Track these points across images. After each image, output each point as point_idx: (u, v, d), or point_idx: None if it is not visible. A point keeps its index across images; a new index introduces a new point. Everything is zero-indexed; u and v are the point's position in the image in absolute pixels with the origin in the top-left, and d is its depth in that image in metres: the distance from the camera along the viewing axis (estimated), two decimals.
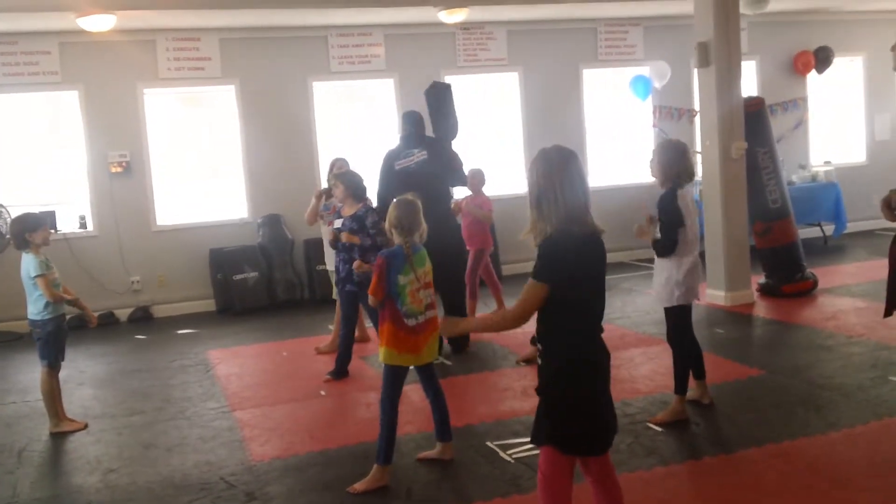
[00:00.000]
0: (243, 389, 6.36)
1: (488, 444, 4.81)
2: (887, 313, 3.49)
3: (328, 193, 6.93)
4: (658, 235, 4.90)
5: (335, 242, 6.21)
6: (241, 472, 4.67)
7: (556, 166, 2.95)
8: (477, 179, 7.96)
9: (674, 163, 4.85)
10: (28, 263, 5.40)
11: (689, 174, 4.89)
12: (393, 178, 6.86)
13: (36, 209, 7.17)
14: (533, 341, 3.05)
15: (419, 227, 4.33)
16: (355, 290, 6.19)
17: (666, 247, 4.87)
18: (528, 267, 3.06)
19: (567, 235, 2.89)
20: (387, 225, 4.37)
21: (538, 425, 3.00)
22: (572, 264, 2.89)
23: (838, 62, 12.21)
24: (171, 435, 5.39)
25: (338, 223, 6.22)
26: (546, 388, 2.96)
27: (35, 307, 5.43)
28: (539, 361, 3.02)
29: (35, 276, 5.34)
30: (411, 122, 7.11)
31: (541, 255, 2.91)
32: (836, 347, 6.42)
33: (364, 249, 5.96)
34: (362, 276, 6.01)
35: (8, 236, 8.20)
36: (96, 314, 9.14)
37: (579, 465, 3.06)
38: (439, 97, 7.25)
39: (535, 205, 2.96)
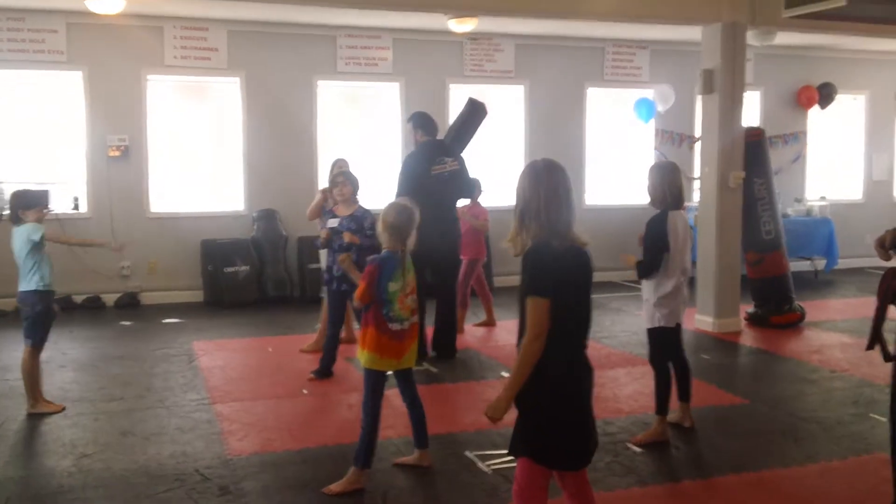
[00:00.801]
0: (225, 383, 6.33)
1: (467, 453, 4.80)
2: (870, 346, 3.52)
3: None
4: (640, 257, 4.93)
5: (329, 241, 6.16)
6: (217, 465, 4.64)
7: (543, 180, 2.97)
8: (475, 189, 7.99)
9: (659, 184, 4.89)
10: (26, 231, 5.34)
11: (675, 196, 4.91)
12: (423, 182, 6.77)
13: (30, 187, 7.12)
14: None
15: (411, 235, 4.32)
16: (349, 289, 6.15)
17: (645, 267, 4.90)
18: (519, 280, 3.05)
19: (546, 247, 2.90)
20: (380, 227, 4.33)
21: (516, 436, 2.99)
22: (556, 273, 2.89)
23: (841, 99, 12.28)
24: (148, 423, 5.35)
25: (333, 223, 6.18)
26: (525, 400, 2.94)
27: (27, 284, 5.38)
28: None
29: (37, 241, 5.31)
30: (431, 127, 7.13)
31: (529, 269, 2.91)
32: (820, 381, 6.43)
33: (361, 249, 5.88)
34: (342, 270, 5.96)
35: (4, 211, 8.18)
36: (83, 297, 9.25)
37: (556, 478, 3.05)
38: (476, 115, 7.29)
39: (518, 216, 2.99)
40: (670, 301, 4.88)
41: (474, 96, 7.58)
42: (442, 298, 7.14)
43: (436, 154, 7.00)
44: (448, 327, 7.16)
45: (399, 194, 6.68)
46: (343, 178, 6.24)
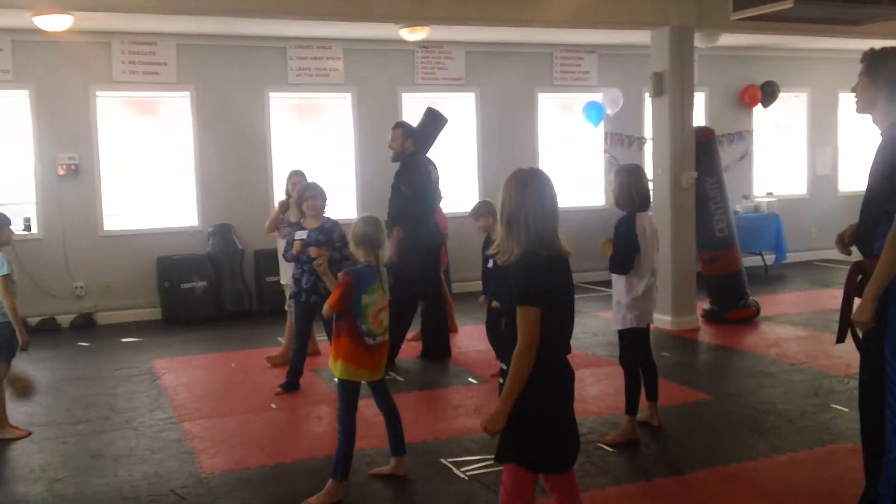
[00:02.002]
0: (192, 400, 6.26)
1: (442, 460, 4.82)
2: (840, 339, 3.62)
3: (287, 206, 6.88)
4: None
5: (298, 254, 6.08)
6: (192, 484, 4.60)
7: (529, 188, 3.00)
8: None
9: (625, 186, 4.96)
10: None
11: (643, 198, 5.00)
12: (429, 191, 7.18)
13: None
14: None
15: (383, 246, 4.34)
16: (319, 302, 6.08)
17: (616, 261, 4.96)
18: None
19: (535, 256, 2.93)
20: (352, 244, 4.33)
21: (503, 443, 3.01)
22: (545, 282, 2.92)
23: (783, 97, 12.60)
24: (118, 445, 5.27)
25: (302, 235, 6.09)
26: (514, 406, 2.96)
27: None
28: (502, 381, 3.02)
29: (7, 273, 5.21)
30: (420, 137, 7.32)
31: (519, 279, 2.92)
32: (779, 374, 6.60)
33: (331, 262, 5.83)
34: (311, 282, 5.97)
35: None
36: (38, 319, 9.05)
37: (543, 481, 3.10)
38: (436, 124, 7.55)
39: (505, 225, 3.00)
40: (642, 302, 4.96)
41: (428, 105, 7.70)
42: (434, 303, 7.34)
43: (428, 164, 7.29)
44: (441, 327, 7.38)
45: (413, 206, 7.00)
46: (312, 192, 6.16)
